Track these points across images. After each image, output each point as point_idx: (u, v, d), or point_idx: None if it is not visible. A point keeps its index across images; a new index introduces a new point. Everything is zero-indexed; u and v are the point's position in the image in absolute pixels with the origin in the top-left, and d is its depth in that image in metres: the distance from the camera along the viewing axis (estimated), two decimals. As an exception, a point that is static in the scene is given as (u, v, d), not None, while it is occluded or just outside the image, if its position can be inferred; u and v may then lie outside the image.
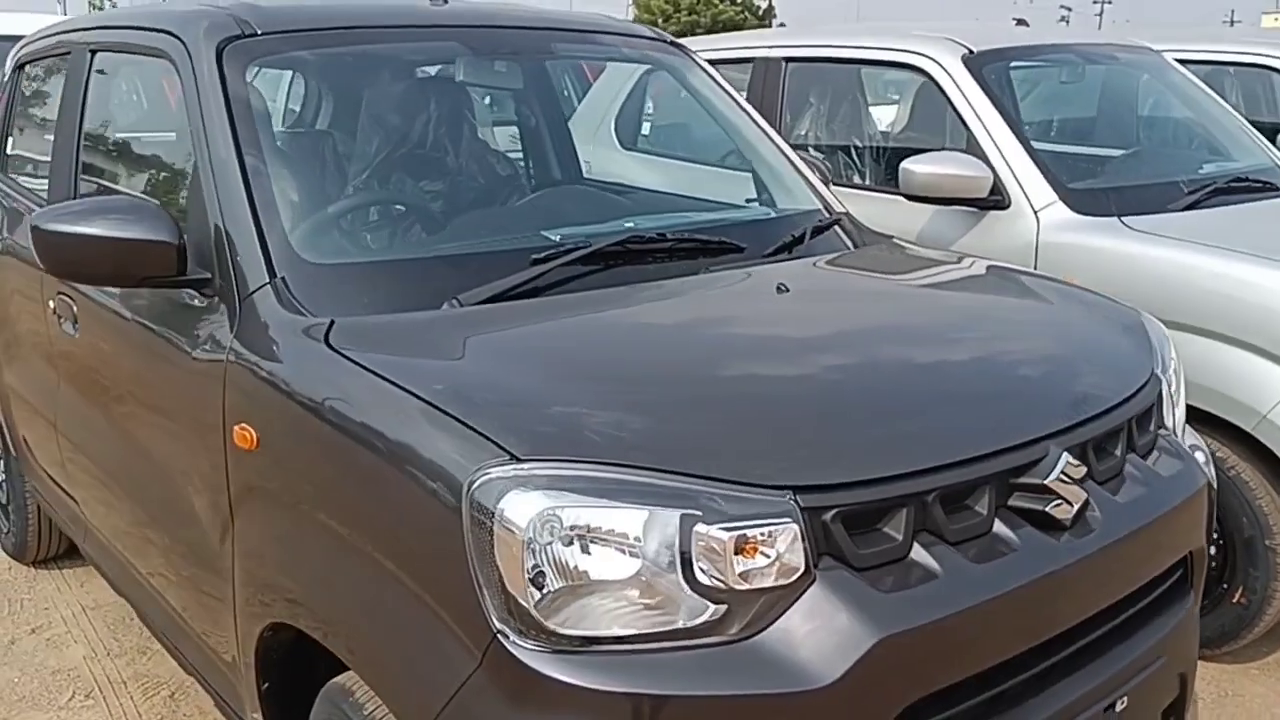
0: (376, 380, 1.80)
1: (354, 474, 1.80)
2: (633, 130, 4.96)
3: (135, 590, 2.85)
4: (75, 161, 2.99)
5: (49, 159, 3.15)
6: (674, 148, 4.81)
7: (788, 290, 2.25)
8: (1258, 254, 3.10)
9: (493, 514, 1.56)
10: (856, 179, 4.33)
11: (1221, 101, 4.41)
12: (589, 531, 1.55)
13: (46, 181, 3.19)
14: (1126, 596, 1.96)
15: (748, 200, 3.04)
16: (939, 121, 4.14)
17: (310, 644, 2.05)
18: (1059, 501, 1.80)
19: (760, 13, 41.05)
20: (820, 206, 2.88)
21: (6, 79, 3.77)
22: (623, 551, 1.55)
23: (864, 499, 1.64)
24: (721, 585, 1.57)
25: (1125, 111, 4.50)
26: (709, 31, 32.88)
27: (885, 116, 4.73)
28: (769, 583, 1.57)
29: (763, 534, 1.57)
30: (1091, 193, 3.57)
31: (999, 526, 1.77)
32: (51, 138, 3.25)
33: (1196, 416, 2.82)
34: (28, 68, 3.64)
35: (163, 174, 2.77)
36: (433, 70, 2.86)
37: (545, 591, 1.55)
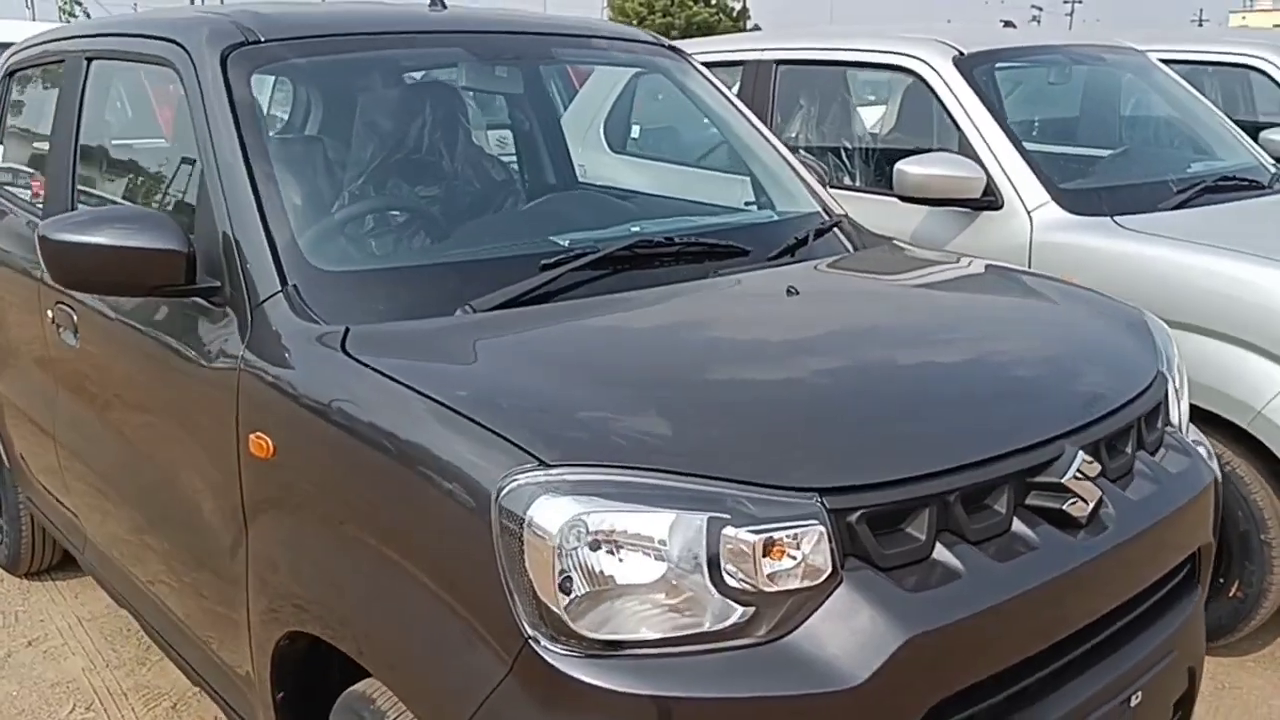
0: (398, 387, 1.80)
1: (377, 481, 1.80)
2: (622, 133, 4.97)
3: (138, 600, 2.84)
4: (72, 171, 2.97)
5: (45, 168, 3.12)
6: (665, 151, 4.83)
7: (798, 293, 2.26)
8: (1251, 252, 3.14)
9: (523, 520, 1.56)
10: (847, 180, 4.35)
11: (1205, 101, 4.46)
12: (619, 536, 1.56)
13: (42, 191, 3.17)
14: (1140, 592, 1.98)
15: (746, 203, 3.06)
16: (928, 123, 4.18)
17: (325, 652, 2.06)
18: (1075, 499, 1.82)
19: (734, 14, 41.19)
20: (819, 209, 2.90)
21: None
22: (652, 555, 1.56)
23: (888, 500, 1.66)
24: (750, 587, 1.58)
25: (1113, 111, 4.56)
26: (683, 34, 32.94)
27: (874, 118, 4.76)
28: (796, 584, 1.59)
29: (790, 536, 1.58)
30: (1084, 192, 3.61)
31: (1017, 525, 1.79)
32: (45, 147, 3.23)
33: (1192, 413, 2.86)
34: (18, 76, 3.61)
35: (163, 183, 2.75)
36: (436, 76, 2.86)
37: (575, 596, 1.55)
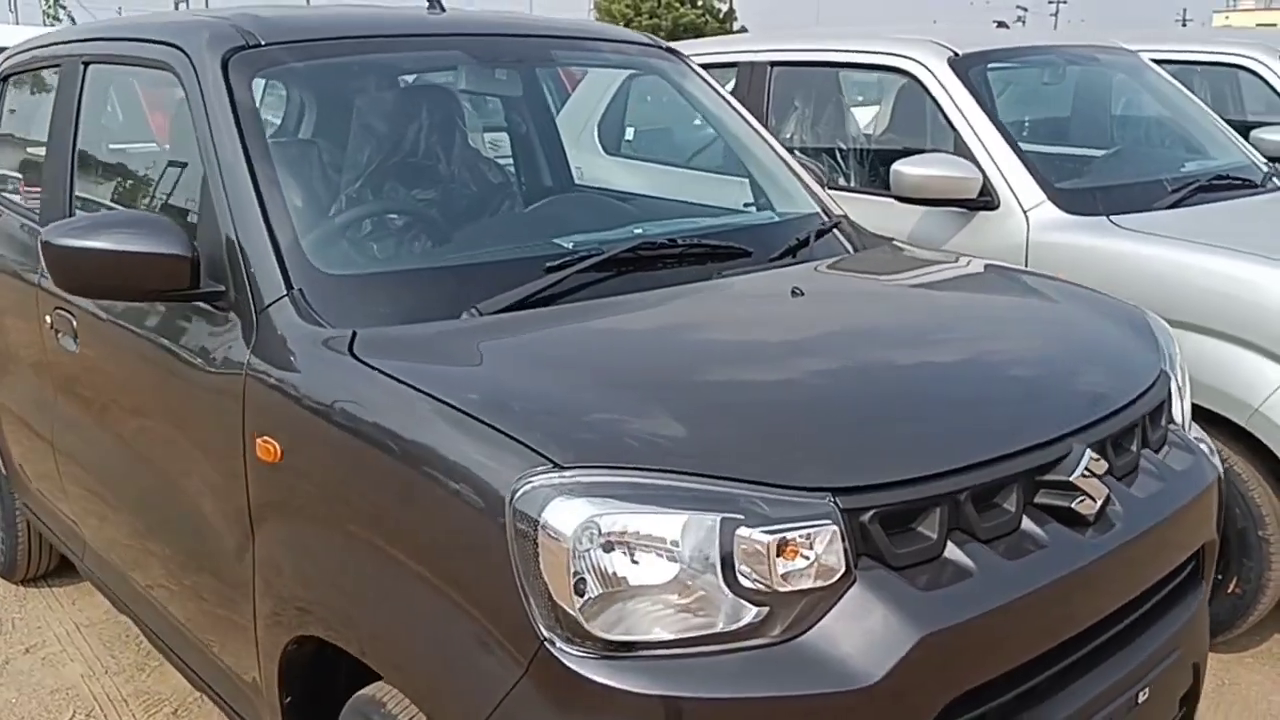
0: (409, 391, 1.80)
1: (387, 484, 1.79)
2: (616, 136, 4.97)
3: (139, 606, 2.83)
4: (70, 177, 2.96)
5: (41, 173, 3.11)
6: (660, 152, 4.84)
7: (803, 294, 2.27)
8: (1247, 250, 3.16)
9: (537, 522, 1.56)
10: (841, 181, 4.36)
11: (1197, 100, 4.49)
12: (632, 537, 1.56)
13: (38, 197, 3.16)
14: (1146, 589, 1.99)
15: (745, 204, 3.06)
16: (923, 123, 4.19)
17: (332, 657, 2.05)
18: (1083, 497, 1.83)
19: (721, 16, 41.25)
20: (819, 209, 2.91)
21: None
22: (665, 556, 1.57)
23: (901, 499, 1.66)
24: (763, 588, 1.58)
25: (1106, 111, 4.58)
26: (670, 35, 32.93)
27: (865, 119, 4.77)
28: (810, 584, 1.59)
29: (803, 536, 1.59)
30: (1080, 192, 3.63)
31: (1027, 523, 1.80)
32: (41, 152, 3.22)
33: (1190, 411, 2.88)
34: (12, 80, 3.59)
35: (163, 187, 2.74)
36: (437, 79, 2.86)
37: (589, 597, 1.56)
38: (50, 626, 3.63)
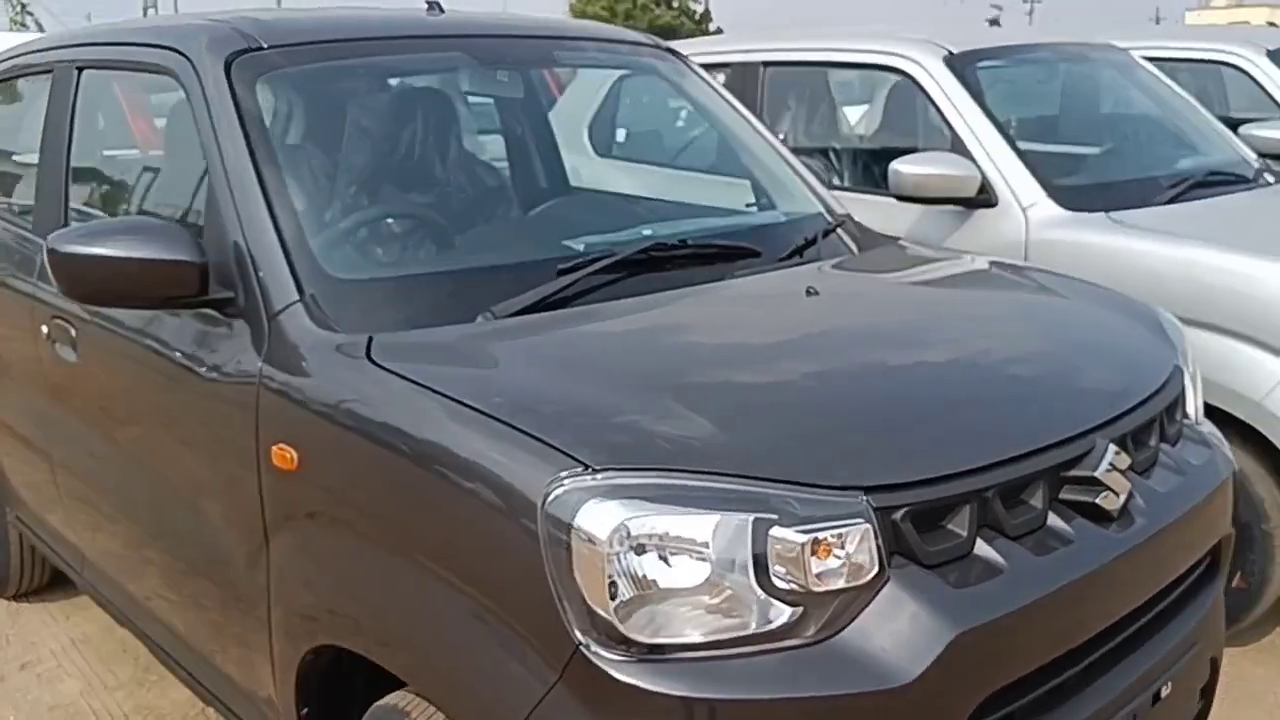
0: (432, 395, 1.78)
1: (412, 490, 1.77)
2: (607, 137, 4.96)
3: (143, 620, 2.79)
4: (65, 185, 2.92)
5: (36, 180, 3.06)
6: (653, 154, 4.82)
7: (818, 293, 2.26)
8: (1247, 245, 3.18)
9: (570, 526, 1.55)
10: (836, 181, 4.36)
11: (1188, 97, 4.51)
12: (665, 539, 1.55)
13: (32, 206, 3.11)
14: (1169, 583, 1.99)
15: (747, 205, 3.05)
16: (917, 122, 4.20)
17: (351, 667, 2.03)
18: (1107, 493, 1.83)
19: (697, 18, 41.30)
20: (823, 209, 2.90)
21: None
22: (698, 557, 1.55)
23: (932, 497, 1.66)
24: (798, 588, 1.57)
25: (1101, 108, 4.60)
26: (646, 38, 32.71)
27: (855, 117, 4.77)
28: (844, 584, 1.58)
29: (837, 535, 1.57)
30: (1078, 189, 3.64)
31: (1053, 519, 1.80)
32: (21, 160, 3.18)
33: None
34: (1, 87, 3.55)
35: (163, 194, 2.71)
36: (441, 81, 2.83)
37: (624, 600, 1.54)
38: (45, 642, 3.57)
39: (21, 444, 3.28)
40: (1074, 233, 3.48)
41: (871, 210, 3.67)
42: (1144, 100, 4.45)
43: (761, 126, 3.17)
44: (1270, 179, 4.13)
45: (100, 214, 2.93)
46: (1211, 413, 3.09)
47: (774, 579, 1.56)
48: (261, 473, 2.05)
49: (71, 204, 2.91)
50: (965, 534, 1.68)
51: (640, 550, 1.55)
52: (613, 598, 1.54)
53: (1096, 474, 1.82)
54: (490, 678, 1.67)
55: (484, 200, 2.68)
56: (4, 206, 3.46)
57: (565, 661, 1.56)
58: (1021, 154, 3.68)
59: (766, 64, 4.51)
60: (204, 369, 2.23)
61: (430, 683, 1.80)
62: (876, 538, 1.59)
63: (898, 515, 1.62)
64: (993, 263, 2.74)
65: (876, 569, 1.59)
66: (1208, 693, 2.22)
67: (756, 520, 1.56)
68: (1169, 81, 4.52)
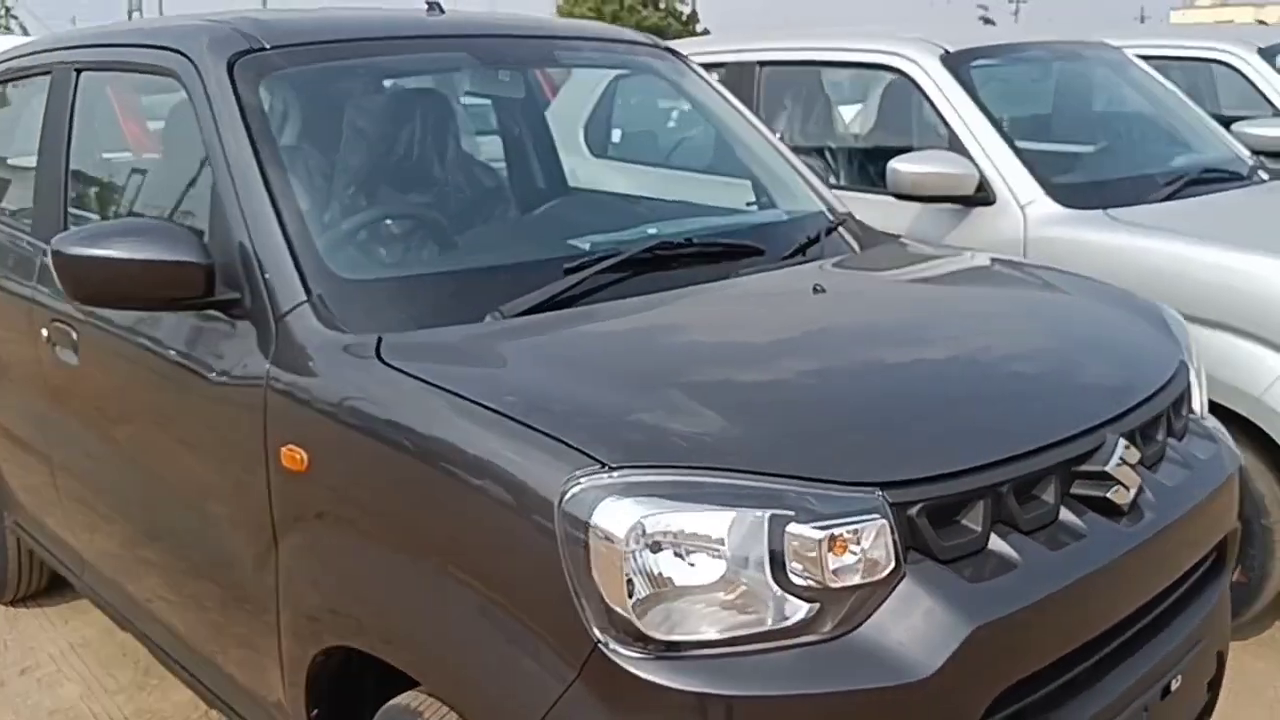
0: (443, 395, 1.78)
1: (425, 489, 1.77)
2: (602, 138, 4.96)
3: (145, 622, 2.77)
4: (63, 187, 2.90)
5: (34, 183, 3.05)
6: (649, 154, 4.83)
7: (825, 291, 2.26)
8: (1245, 242, 3.19)
9: (587, 524, 1.55)
10: (832, 180, 4.37)
11: (1182, 95, 4.54)
12: (682, 536, 1.55)
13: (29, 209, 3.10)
14: (1179, 577, 2.00)
15: (748, 204, 3.06)
16: (913, 120, 4.21)
17: (361, 668, 2.02)
18: (1118, 487, 1.84)
19: (684, 19, 41.36)
20: (824, 208, 2.90)
21: None
22: (717, 555, 1.55)
23: (947, 492, 1.66)
24: (815, 584, 1.57)
25: (1096, 106, 4.62)
26: (633, 40, 32.66)
27: (849, 116, 4.78)
28: (861, 579, 1.58)
29: (853, 531, 1.58)
30: (1076, 186, 3.65)
31: (1065, 514, 1.80)
32: (23, 165, 3.16)
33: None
34: (-4, 90, 3.53)
35: (165, 195, 2.69)
36: (444, 81, 2.83)
37: (641, 597, 1.54)
38: (43, 647, 3.55)
39: (20, 448, 3.26)
40: (1072, 230, 3.50)
41: (868, 209, 3.67)
42: (1138, 98, 4.47)
43: (761, 125, 3.17)
44: (1264, 176, 4.15)
45: (99, 216, 2.91)
46: (1212, 409, 3.11)
47: (790, 575, 1.56)
48: (270, 474, 2.04)
49: (70, 206, 2.90)
50: (979, 529, 1.68)
51: (656, 548, 1.55)
52: (630, 595, 1.54)
53: (1107, 469, 1.82)
54: (505, 676, 1.67)
55: (489, 200, 2.68)
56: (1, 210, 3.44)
57: (583, 659, 1.56)
58: (1019, 152, 3.69)
59: (762, 64, 4.52)
60: (209, 370, 2.22)
61: (444, 682, 1.80)
62: (892, 533, 1.60)
63: (913, 511, 1.62)
64: (996, 259, 2.74)
65: (893, 564, 1.59)
66: (1215, 686, 2.24)
67: (773, 517, 1.56)
68: (1162, 79, 4.54)
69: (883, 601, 1.59)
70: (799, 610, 1.57)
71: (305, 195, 2.23)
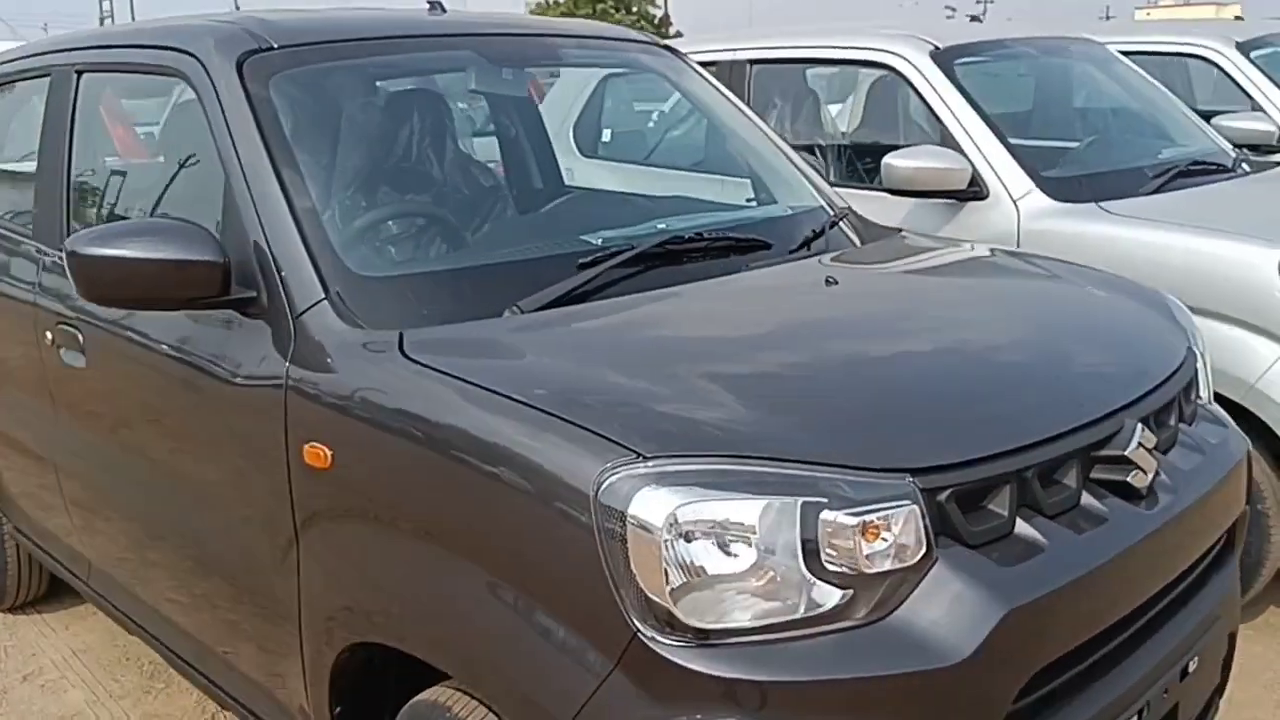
0: (471, 389, 1.78)
1: (454, 483, 1.77)
2: (592, 138, 4.97)
3: (155, 625, 2.76)
4: (65, 189, 2.89)
5: (34, 185, 3.03)
6: (636, 153, 4.84)
7: (837, 283, 2.29)
8: (1238, 231, 3.25)
9: (623, 515, 1.56)
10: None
11: (1165, 90, 4.60)
12: (718, 525, 1.56)
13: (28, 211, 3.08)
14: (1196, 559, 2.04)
15: (747, 200, 3.08)
16: (905, 116, 4.25)
17: (383, 664, 2.02)
18: (1136, 471, 1.87)
19: (656, 22, 41.43)
20: (824, 203, 2.93)
21: None
22: (750, 543, 1.57)
23: (975, 477, 1.69)
24: (849, 570, 1.59)
25: (1084, 101, 4.68)
26: (605, 42, 32.64)
27: (844, 113, 4.82)
28: (894, 565, 1.60)
29: (886, 517, 1.60)
30: (1068, 180, 3.70)
31: (1086, 498, 1.83)
32: (17, 169, 3.14)
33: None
34: (-10, 92, 3.50)
35: (171, 196, 2.68)
36: (453, 79, 2.84)
37: (679, 585, 1.55)
38: (45, 653, 3.53)
39: (20, 453, 3.24)
40: (1066, 223, 3.54)
41: (860, 205, 3.71)
42: (1124, 92, 4.53)
43: (761, 122, 3.20)
44: (1247, 168, 4.22)
45: (102, 218, 2.89)
46: (1208, 397, 3.18)
47: (824, 562, 1.58)
48: (291, 472, 2.04)
49: (73, 208, 2.88)
50: (1006, 514, 1.71)
51: (692, 536, 1.56)
52: (667, 584, 1.55)
53: (1126, 453, 1.85)
54: (540, 668, 1.68)
55: (501, 197, 2.69)
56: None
57: (623, 649, 1.57)
58: (1011, 146, 3.73)
59: (753, 62, 4.55)
60: (224, 369, 2.21)
61: (476, 676, 1.80)
62: (924, 519, 1.62)
63: (943, 496, 1.64)
64: (998, 251, 2.78)
65: (925, 550, 1.62)
66: (1226, 666, 2.28)
67: (805, 504, 1.58)
68: (1145, 74, 4.61)
69: (915, 587, 1.61)
70: (833, 596, 1.59)
71: (320, 193, 2.23)
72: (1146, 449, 1.89)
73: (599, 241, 2.34)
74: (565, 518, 1.61)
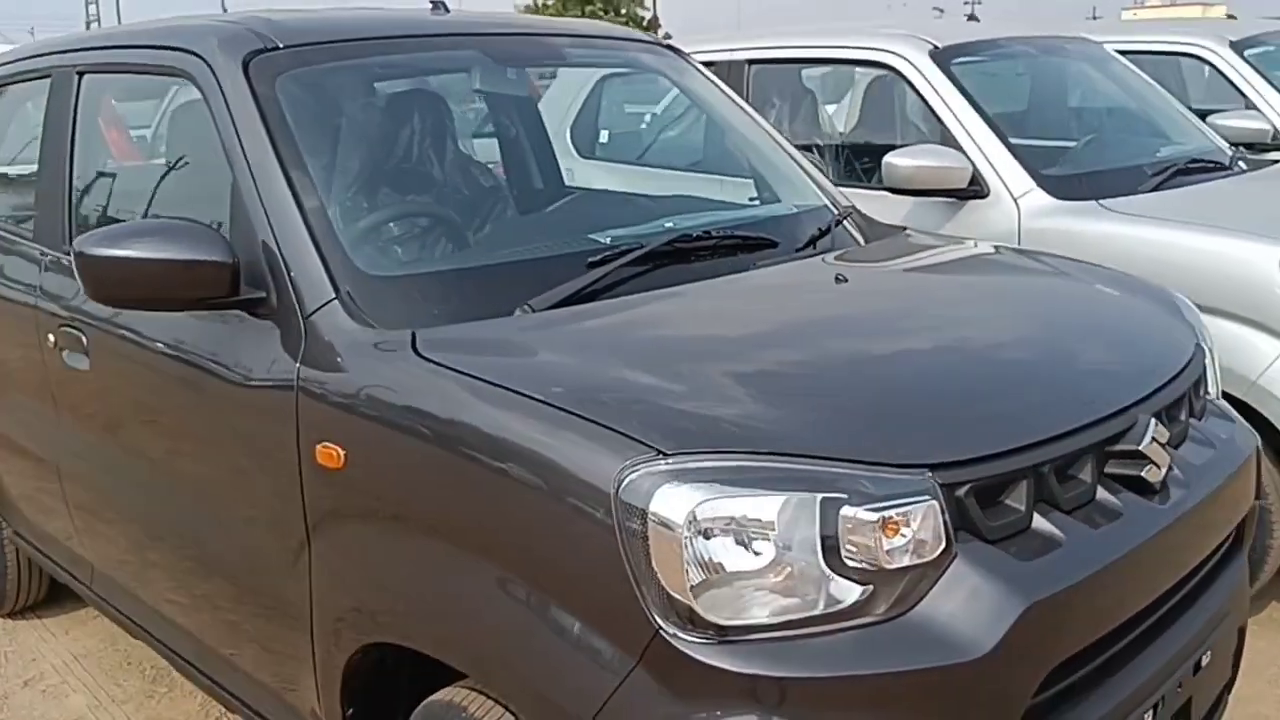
0: (487, 387, 1.78)
1: (471, 482, 1.76)
2: (590, 139, 4.97)
3: (160, 627, 2.74)
4: (67, 190, 2.87)
5: (35, 187, 3.01)
6: (635, 154, 4.84)
7: (847, 281, 2.29)
8: (1239, 228, 3.26)
9: (644, 512, 1.55)
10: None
11: (1160, 89, 4.62)
12: (739, 521, 1.56)
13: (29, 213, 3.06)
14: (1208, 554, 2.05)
15: (750, 199, 3.08)
16: (904, 115, 4.26)
17: (396, 665, 2.02)
18: (1150, 465, 1.87)
19: (645, 24, 41.46)
20: (827, 201, 2.93)
21: None
22: (769, 539, 1.56)
23: (993, 473, 1.69)
24: (869, 566, 1.59)
25: (1082, 100, 4.69)
26: (593, 44, 32.64)
27: (843, 113, 4.83)
28: (913, 560, 1.60)
29: (906, 513, 1.60)
30: (1068, 178, 3.72)
31: (1101, 493, 1.83)
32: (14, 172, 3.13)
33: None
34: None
35: (175, 196, 2.67)
36: (459, 79, 2.83)
37: (701, 582, 1.55)
38: (46, 658, 3.51)
39: (20, 456, 3.22)
40: (1066, 221, 3.55)
41: (859, 204, 3.72)
42: (1122, 91, 4.55)
43: (764, 122, 3.20)
44: (1244, 166, 4.24)
45: (106, 218, 2.88)
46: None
47: (844, 558, 1.58)
48: (303, 473, 2.04)
49: (75, 209, 2.87)
50: (1023, 509, 1.71)
51: (713, 532, 1.56)
52: (689, 580, 1.55)
53: (1140, 447, 1.86)
54: (559, 666, 1.67)
55: (508, 196, 2.69)
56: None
57: (644, 646, 1.57)
58: (1011, 145, 3.74)
59: (751, 62, 4.55)
60: (232, 370, 2.20)
61: (494, 675, 1.79)
62: (943, 514, 1.62)
63: (962, 491, 1.65)
64: (1004, 249, 2.79)
65: (944, 545, 1.62)
66: (1236, 660, 2.28)
67: (825, 500, 1.58)
68: (1141, 73, 4.63)
69: (935, 582, 1.61)
70: (852, 592, 1.59)
71: (328, 193, 2.22)
72: (1159, 444, 1.90)
73: (608, 240, 2.33)
74: (584, 515, 1.61)
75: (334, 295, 2.07)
